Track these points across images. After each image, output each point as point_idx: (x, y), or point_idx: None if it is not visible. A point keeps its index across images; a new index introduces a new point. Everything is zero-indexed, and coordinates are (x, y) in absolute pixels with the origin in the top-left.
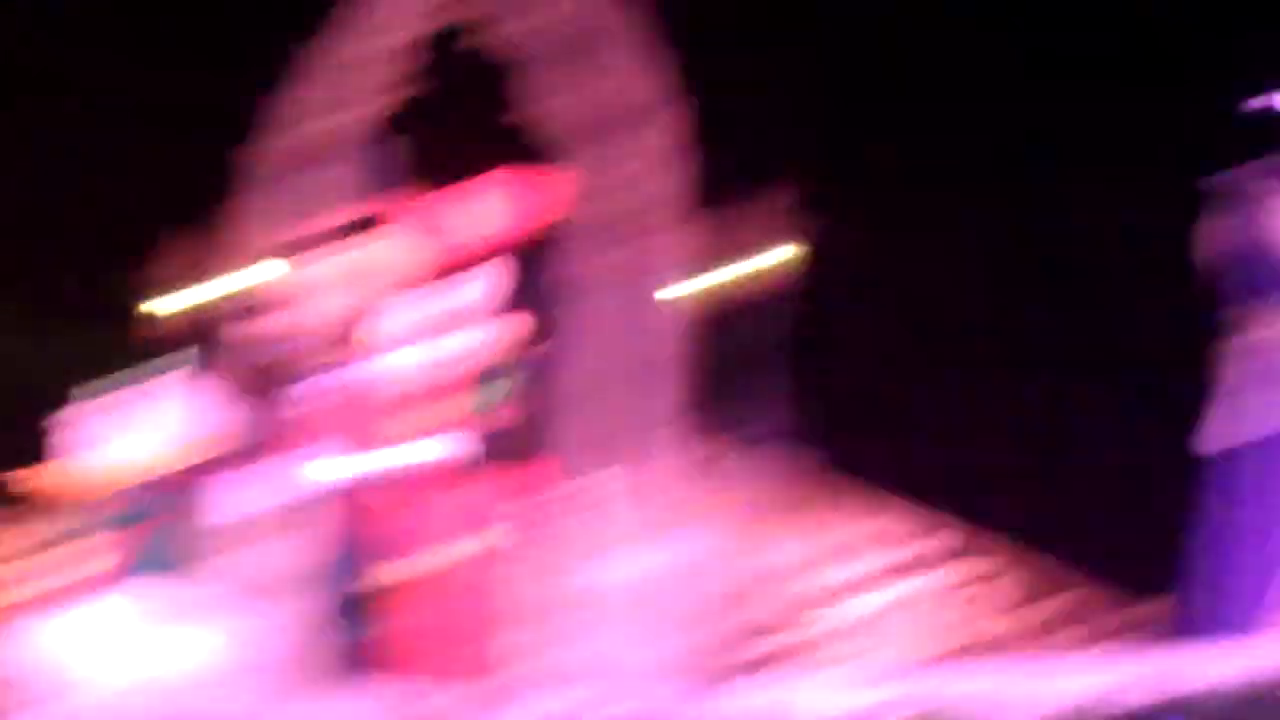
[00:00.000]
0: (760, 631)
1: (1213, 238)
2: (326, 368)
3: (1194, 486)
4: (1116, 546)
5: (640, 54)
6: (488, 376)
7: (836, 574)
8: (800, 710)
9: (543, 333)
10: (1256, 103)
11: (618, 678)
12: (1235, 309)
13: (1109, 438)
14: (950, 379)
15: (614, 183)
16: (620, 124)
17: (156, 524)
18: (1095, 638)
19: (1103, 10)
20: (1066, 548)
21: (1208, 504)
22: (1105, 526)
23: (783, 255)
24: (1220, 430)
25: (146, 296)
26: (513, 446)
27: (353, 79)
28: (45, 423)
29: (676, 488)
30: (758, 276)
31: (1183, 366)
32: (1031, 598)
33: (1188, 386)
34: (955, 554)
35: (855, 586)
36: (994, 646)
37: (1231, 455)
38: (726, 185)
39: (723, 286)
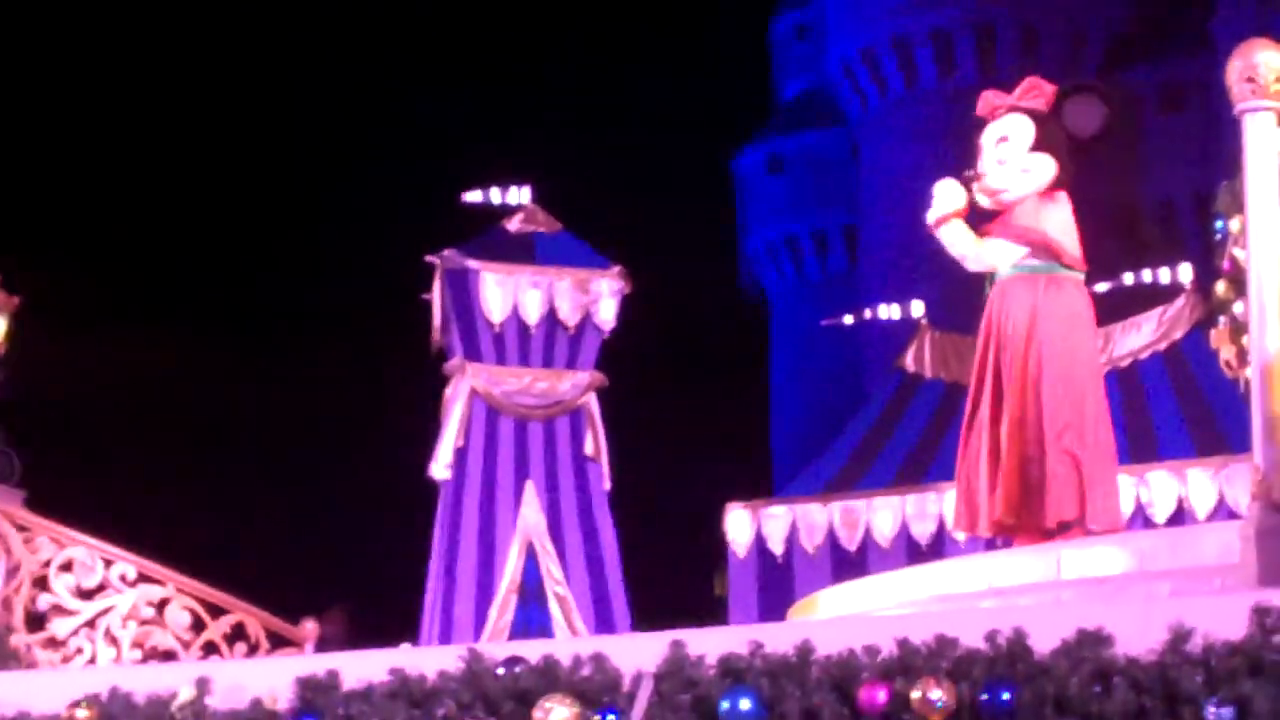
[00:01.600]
0: None
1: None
2: None
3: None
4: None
5: None
6: None
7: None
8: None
9: None
10: (472, 196)
11: None
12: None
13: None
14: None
15: None
16: None
17: None
18: (255, 652)
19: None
20: (230, 579)
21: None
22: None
23: None
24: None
25: None
26: None
27: None
28: None
29: None
30: None
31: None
32: (201, 621)
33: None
34: (131, 581)
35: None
36: (168, 658)
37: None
38: None
39: None
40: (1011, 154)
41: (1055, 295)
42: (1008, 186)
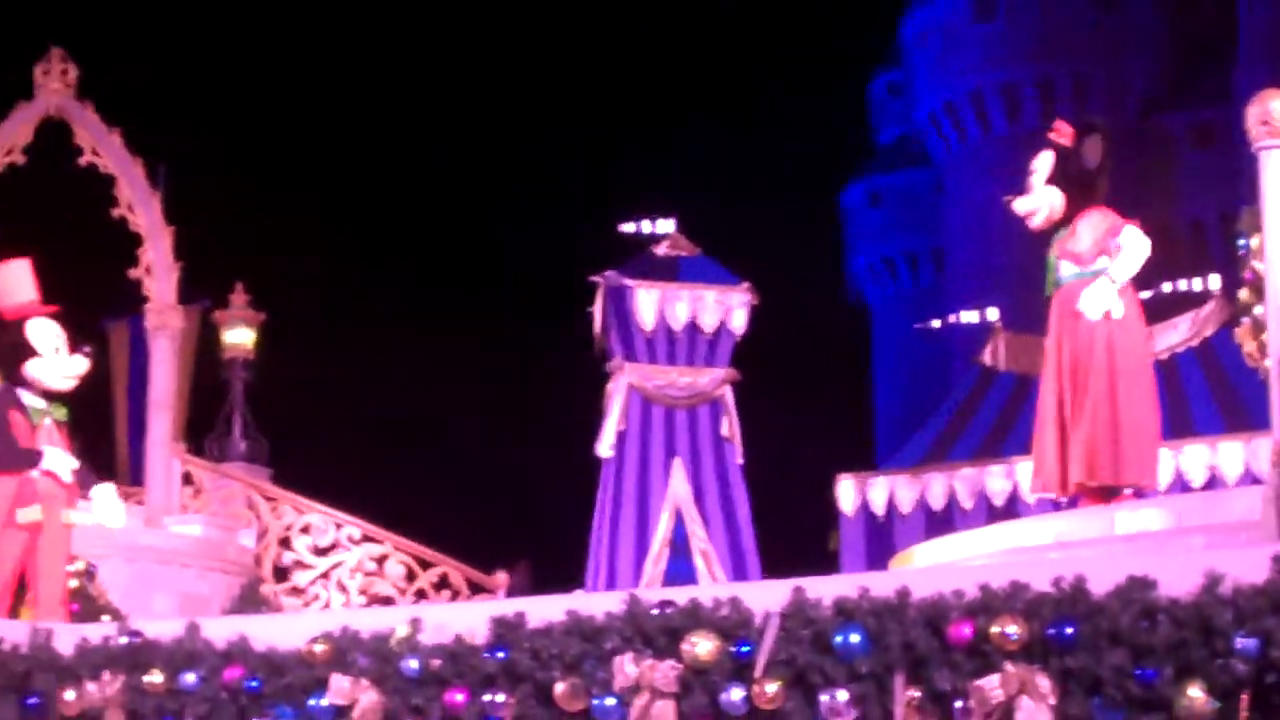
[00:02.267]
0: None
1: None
2: None
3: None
4: (469, 538)
5: None
6: None
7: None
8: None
9: None
10: (627, 227)
11: None
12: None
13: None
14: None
15: None
16: None
17: None
18: (457, 598)
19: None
20: (437, 539)
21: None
22: (461, 524)
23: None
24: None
25: None
26: None
27: None
28: None
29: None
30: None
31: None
32: (414, 573)
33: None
34: (355, 541)
35: (300, 562)
36: (387, 603)
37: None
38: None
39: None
40: (1035, 183)
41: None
42: (1029, 210)
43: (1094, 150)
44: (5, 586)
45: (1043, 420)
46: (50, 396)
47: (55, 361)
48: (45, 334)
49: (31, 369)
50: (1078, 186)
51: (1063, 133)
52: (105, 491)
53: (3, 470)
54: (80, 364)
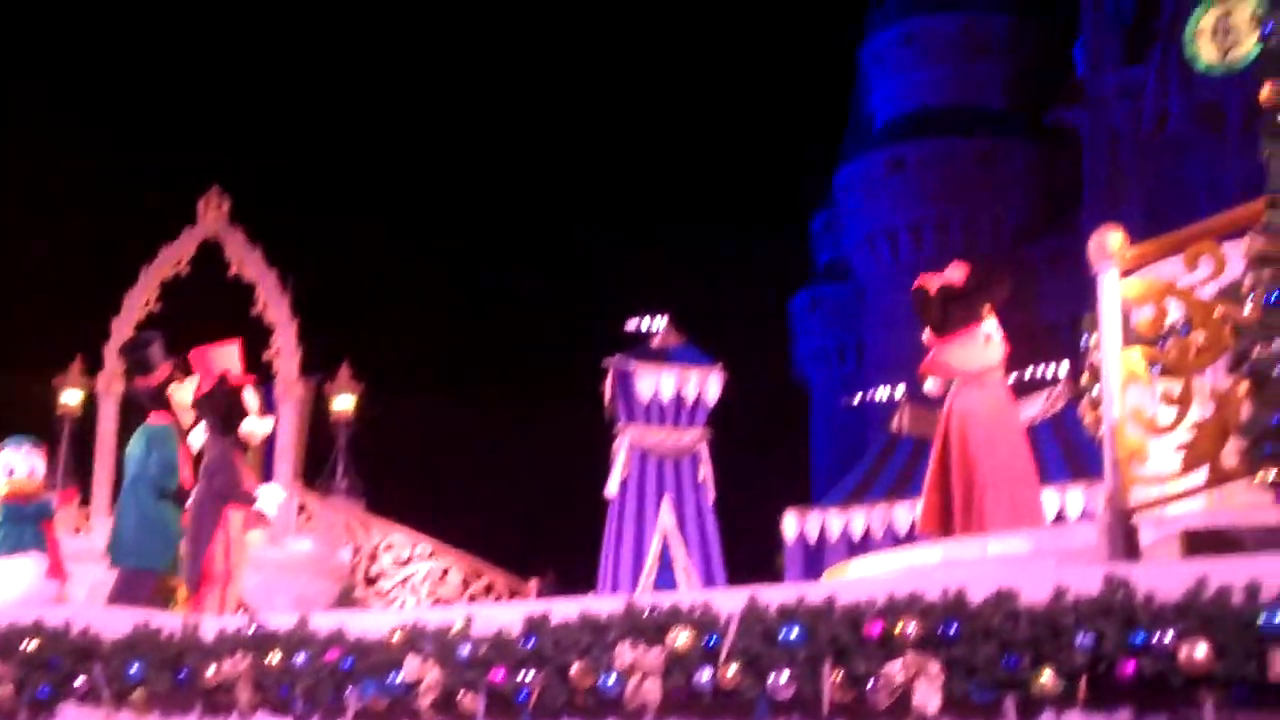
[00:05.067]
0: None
1: (610, 389)
2: None
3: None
4: (510, 556)
5: None
6: None
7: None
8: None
9: None
10: (633, 323)
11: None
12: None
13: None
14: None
15: None
16: None
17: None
18: (499, 599)
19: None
20: (487, 554)
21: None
22: (505, 545)
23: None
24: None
25: None
26: None
27: None
28: None
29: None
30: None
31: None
32: (468, 581)
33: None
34: (425, 556)
35: (384, 572)
36: (448, 604)
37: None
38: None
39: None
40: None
41: (984, 388)
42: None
43: (984, 283)
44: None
45: (932, 476)
46: (245, 447)
47: (258, 422)
48: (252, 401)
49: (245, 427)
50: (963, 308)
51: (956, 271)
52: (272, 489)
53: (236, 504)
54: (269, 424)
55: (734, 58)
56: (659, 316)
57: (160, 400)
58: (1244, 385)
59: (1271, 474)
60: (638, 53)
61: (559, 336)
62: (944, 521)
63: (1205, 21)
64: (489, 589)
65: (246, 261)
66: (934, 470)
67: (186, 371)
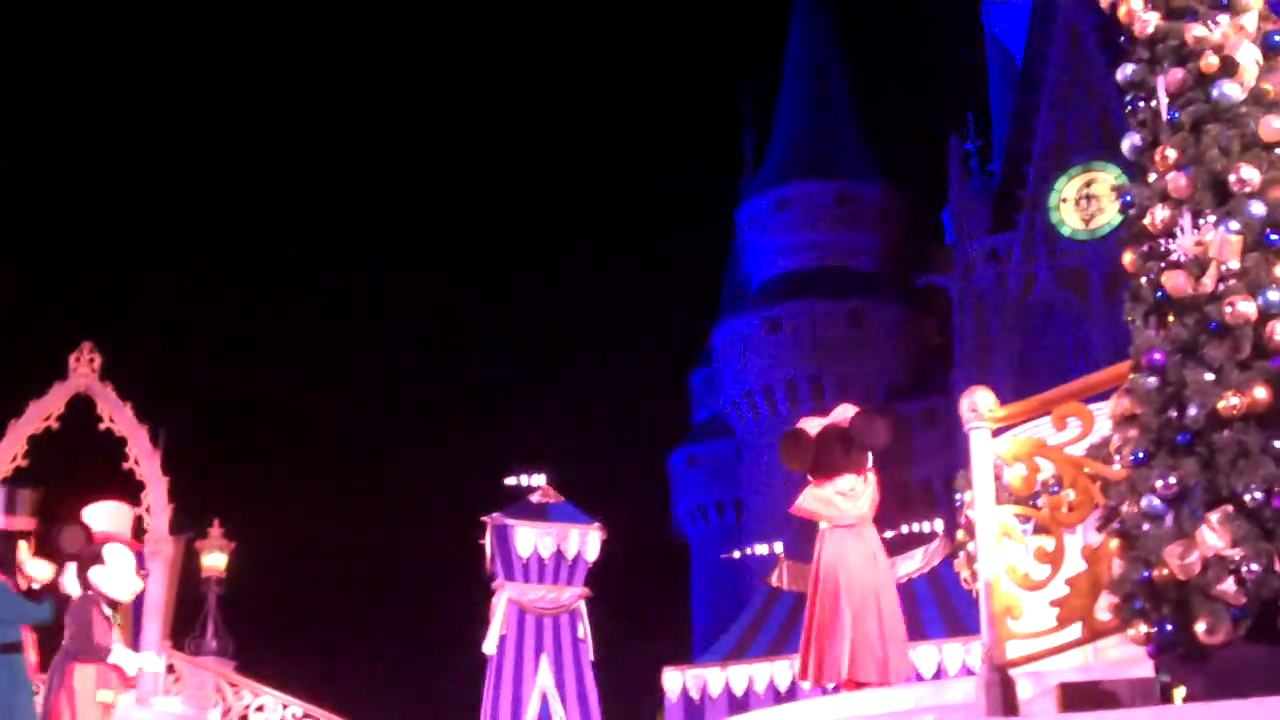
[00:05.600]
0: None
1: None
2: None
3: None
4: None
5: None
6: None
7: None
8: None
9: None
10: (511, 479)
11: None
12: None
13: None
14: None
15: None
16: None
17: None
18: None
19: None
20: (357, 715)
21: None
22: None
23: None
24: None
25: None
26: None
27: None
28: None
29: None
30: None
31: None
32: None
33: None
34: (300, 717)
35: None
36: None
37: None
38: None
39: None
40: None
41: (857, 539)
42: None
43: (873, 430)
44: None
45: (807, 629)
46: (114, 604)
47: (125, 579)
48: (125, 558)
49: (100, 580)
50: (843, 452)
51: (843, 411)
52: (149, 656)
53: (88, 660)
54: (139, 583)
55: (615, 211)
56: (536, 474)
57: (7, 549)
58: (1114, 542)
59: (1142, 628)
60: (523, 199)
61: (438, 493)
62: (818, 677)
63: (1069, 190)
64: None
65: (117, 416)
66: (807, 621)
67: (48, 531)
